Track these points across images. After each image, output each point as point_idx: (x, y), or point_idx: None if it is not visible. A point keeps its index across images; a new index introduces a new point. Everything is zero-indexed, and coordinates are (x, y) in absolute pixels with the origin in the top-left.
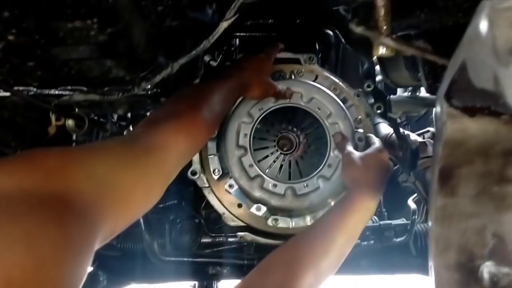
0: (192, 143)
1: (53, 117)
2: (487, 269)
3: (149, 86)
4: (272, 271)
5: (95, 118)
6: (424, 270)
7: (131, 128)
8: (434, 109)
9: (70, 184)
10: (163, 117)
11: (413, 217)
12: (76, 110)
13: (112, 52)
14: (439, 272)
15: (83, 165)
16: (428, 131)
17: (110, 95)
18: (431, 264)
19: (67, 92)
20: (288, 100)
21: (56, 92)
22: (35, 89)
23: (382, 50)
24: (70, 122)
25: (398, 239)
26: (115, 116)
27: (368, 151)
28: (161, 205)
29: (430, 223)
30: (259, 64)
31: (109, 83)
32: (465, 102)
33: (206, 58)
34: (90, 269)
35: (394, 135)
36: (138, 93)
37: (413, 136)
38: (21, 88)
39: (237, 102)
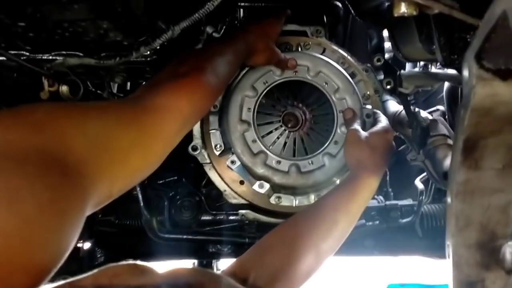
0: (195, 105)
1: (45, 82)
2: (509, 249)
3: (148, 52)
4: (271, 251)
5: (92, 88)
6: (428, 252)
7: None
8: (461, 72)
9: (61, 139)
10: (165, 78)
11: (420, 198)
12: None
13: (109, 13)
14: (458, 252)
15: (76, 120)
16: (438, 109)
17: (106, 59)
18: (448, 243)
19: (61, 58)
20: (294, 73)
21: (50, 58)
22: (28, 54)
23: (404, 8)
24: (64, 88)
25: (404, 220)
26: (115, 87)
27: (374, 129)
28: (160, 181)
29: (449, 199)
30: (266, 28)
31: (106, 48)
32: (497, 63)
33: (209, 29)
34: (87, 245)
35: (403, 112)
36: (137, 59)
37: (424, 114)
38: (13, 52)
39: (240, 75)
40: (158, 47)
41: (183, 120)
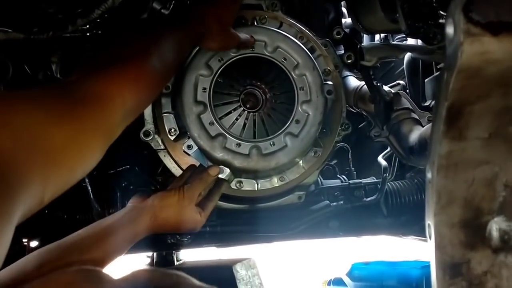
0: (139, 95)
1: None
2: (496, 225)
3: (87, 26)
4: None
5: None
6: (393, 230)
7: None
8: (445, 30)
9: None
10: (105, 62)
11: (384, 175)
12: None
13: None
14: (440, 232)
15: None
16: (398, 84)
17: (37, 34)
18: (429, 222)
19: None
20: (251, 49)
21: None
22: None
23: None
24: None
25: (369, 199)
26: (54, 68)
27: None
28: (111, 171)
29: (429, 175)
30: (222, 10)
31: (38, 22)
32: (488, 15)
33: (156, 5)
34: (35, 243)
35: (364, 87)
36: (74, 34)
37: (386, 88)
38: None
39: (193, 52)
40: (97, 20)
41: (126, 112)
